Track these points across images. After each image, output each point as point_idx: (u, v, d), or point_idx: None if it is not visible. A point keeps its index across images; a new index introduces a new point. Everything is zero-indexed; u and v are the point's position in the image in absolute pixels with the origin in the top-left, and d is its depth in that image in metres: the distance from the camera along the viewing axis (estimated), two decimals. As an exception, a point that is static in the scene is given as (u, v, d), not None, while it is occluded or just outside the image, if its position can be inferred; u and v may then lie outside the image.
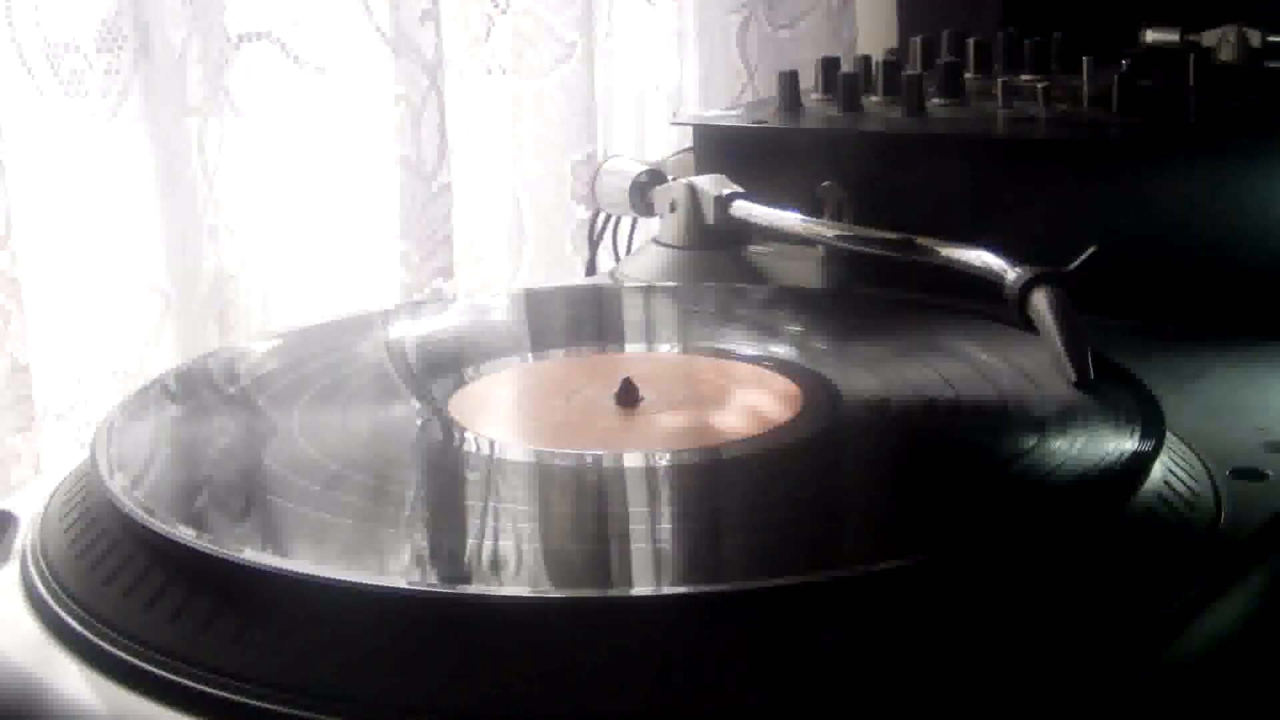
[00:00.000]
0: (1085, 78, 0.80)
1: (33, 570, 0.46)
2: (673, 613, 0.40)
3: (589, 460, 0.51)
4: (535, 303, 0.73)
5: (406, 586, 0.41)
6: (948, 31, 0.97)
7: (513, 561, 0.43)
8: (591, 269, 0.97)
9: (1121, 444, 0.48)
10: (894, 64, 0.88)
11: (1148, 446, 0.48)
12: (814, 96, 0.88)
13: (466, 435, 0.52)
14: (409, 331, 0.66)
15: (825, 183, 0.77)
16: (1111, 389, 0.54)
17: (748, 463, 0.50)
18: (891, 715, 0.38)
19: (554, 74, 1.09)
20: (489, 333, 0.68)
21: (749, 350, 0.61)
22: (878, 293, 0.72)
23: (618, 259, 0.94)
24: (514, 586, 0.42)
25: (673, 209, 0.79)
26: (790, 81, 0.86)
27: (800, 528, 0.45)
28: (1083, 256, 0.62)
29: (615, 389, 0.55)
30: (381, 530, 0.45)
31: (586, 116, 1.11)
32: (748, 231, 0.78)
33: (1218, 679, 0.42)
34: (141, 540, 0.44)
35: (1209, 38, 0.96)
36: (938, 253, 0.66)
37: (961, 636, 0.40)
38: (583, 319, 0.70)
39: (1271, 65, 0.93)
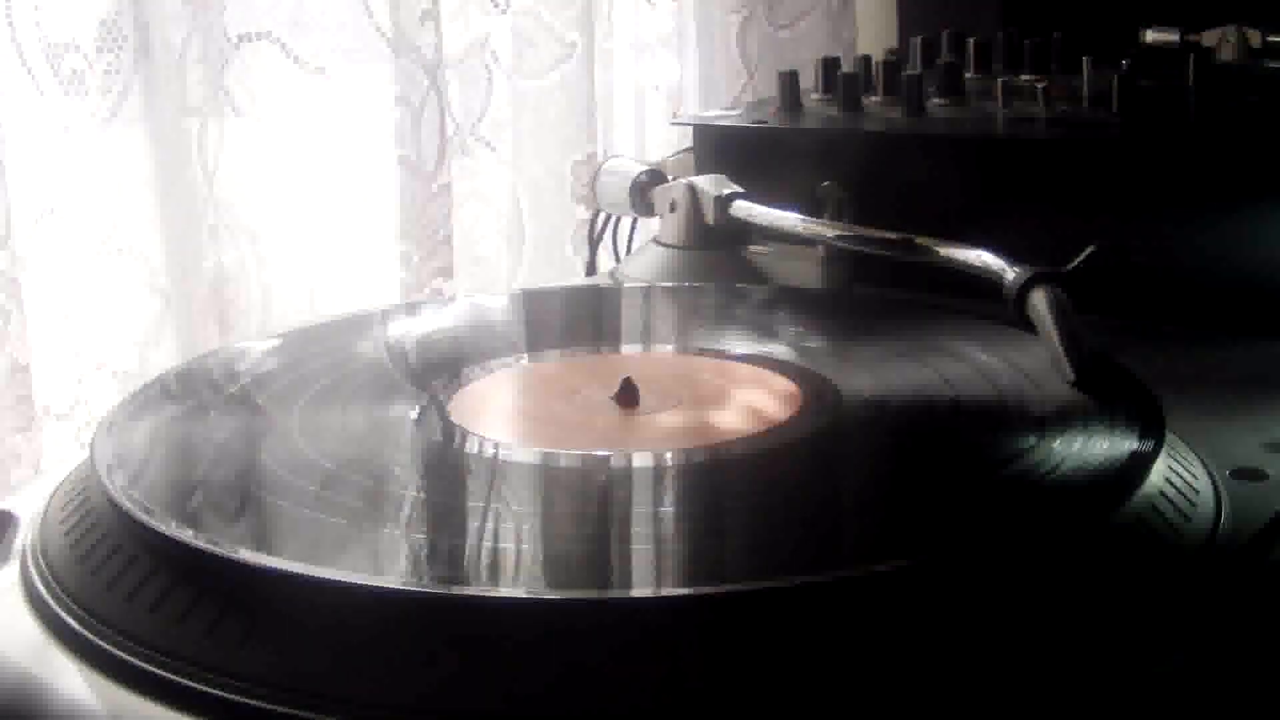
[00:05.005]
0: (1085, 78, 0.80)
1: (33, 570, 0.46)
2: (673, 613, 0.40)
3: (589, 461, 0.51)
4: (535, 303, 0.73)
5: (407, 587, 0.41)
6: (948, 31, 0.97)
7: (513, 562, 0.43)
8: (591, 269, 0.97)
9: (1121, 444, 0.48)
10: (894, 64, 0.88)
11: (1148, 447, 0.48)
12: (814, 96, 0.88)
13: (466, 435, 0.52)
14: (409, 331, 0.66)
15: (825, 183, 0.77)
16: (1111, 389, 0.54)
17: (747, 463, 0.50)
18: (890, 715, 0.38)
19: (554, 74, 1.09)
20: (489, 333, 0.68)
21: (749, 350, 0.61)
22: (878, 293, 0.72)
23: (618, 259, 0.93)
24: (514, 587, 0.42)
25: (673, 209, 0.79)
26: (790, 81, 0.86)
27: (800, 528, 0.45)
28: (1082, 256, 0.62)
29: (615, 389, 0.55)
30: (381, 530, 0.45)
31: (586, 116, 1.11)
32: (748, 231, 0.78)
33: (1218, 680, 0.42)
34: (141, 540, 0.44)
35: (1209, 38, 0.96)
36: (937, 253, 0.66)
37: (963, 637, 0.40)
38: (583, 319, 0.70)
39: (1271, 65, 0.93)
